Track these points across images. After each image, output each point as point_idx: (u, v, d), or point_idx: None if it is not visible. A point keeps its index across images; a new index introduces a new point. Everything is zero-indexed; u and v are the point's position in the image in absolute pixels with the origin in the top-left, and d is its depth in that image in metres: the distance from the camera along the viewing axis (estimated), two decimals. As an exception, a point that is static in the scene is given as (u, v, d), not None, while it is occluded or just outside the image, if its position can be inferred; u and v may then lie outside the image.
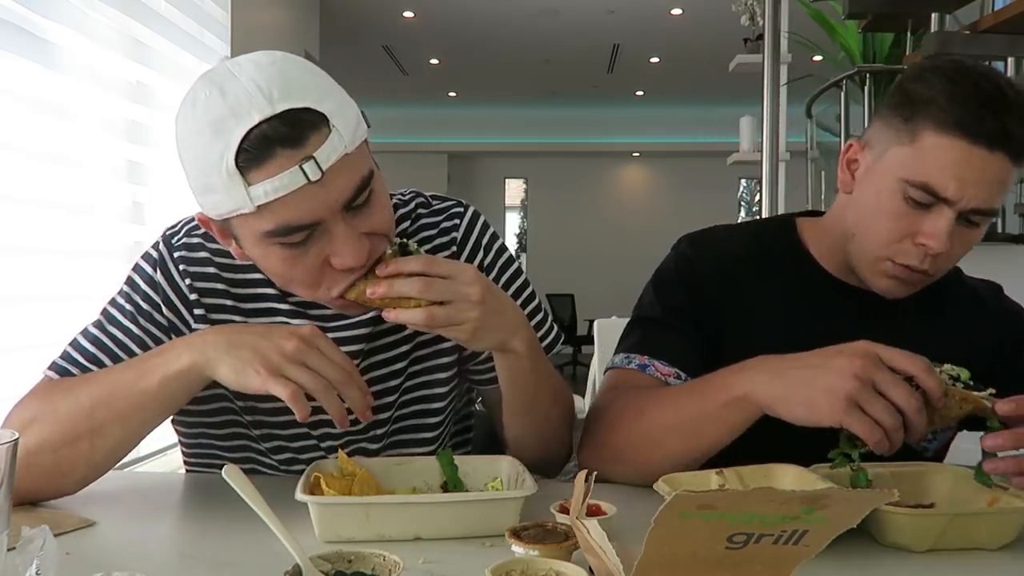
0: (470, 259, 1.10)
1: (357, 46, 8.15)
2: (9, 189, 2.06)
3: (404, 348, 1.09)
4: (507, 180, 12.85)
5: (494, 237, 1.14)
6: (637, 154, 12.45)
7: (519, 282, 1.15)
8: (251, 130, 0.82)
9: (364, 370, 1.08)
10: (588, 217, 12.50)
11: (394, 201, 1.10)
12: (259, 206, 0.84)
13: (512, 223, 13.06)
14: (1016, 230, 3.46)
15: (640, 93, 10.64)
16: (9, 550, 0.63)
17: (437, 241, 1.09)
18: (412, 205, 1.12)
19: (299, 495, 0.83)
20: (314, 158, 0.83)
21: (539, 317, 1.15)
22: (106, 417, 0.90)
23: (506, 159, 12.12)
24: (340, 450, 0.96)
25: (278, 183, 0.83)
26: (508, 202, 12.96)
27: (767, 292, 1.17)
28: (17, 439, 0.62)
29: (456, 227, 1.11)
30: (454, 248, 1.10)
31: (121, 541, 0.87)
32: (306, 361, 0.86)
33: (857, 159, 1.11)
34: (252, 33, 4.20)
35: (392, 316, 0.88)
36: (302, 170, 0.83)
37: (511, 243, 13.01)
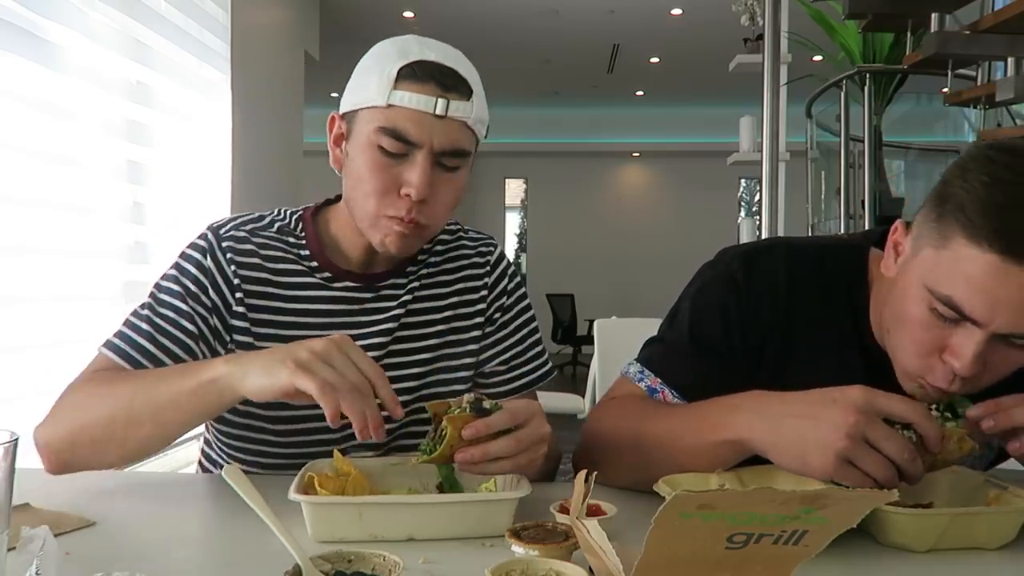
0: (497, 283, 1.25)
1: (357, 46, 8.10)
2: (9, 189, 2.06)
3: (424, 356, 1.19)
4: (507, 180, 12.85)
5: (516, 272, 1.30)
6: (637, 154, 12.45)
7: (529, 314, 1.28)
8: (424, 60, 1.05)
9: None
10: (588, 217, 12.50)
11: None
12: (390, 104, 1.04)
13: (512, 223, 13.07)
14: None
15: (640, 93, 10.64)
16: (9, 550, 0.63)
17: (474, 259, 1.25)
18: (455, 229, 1.28)
19: (292, 495, 0.83)
20: (448, 101, 1.04)
21: (541, 347, 1.28)
22: (143, 408, 0.97)
23: (506, 159, 12.12)
24: (335, 450, 0.97)
25: (414, 98, 1.03)
26: (508, 202, 12.96)
27: (819, 337, 1.06)
28: (16, 439, 0.62)
29: (491, 252, 1.27)
30: (487, 268, 1.25)
31: (121, 541, 0.87)
32: (332, 361, 0.89)
33: (902, 243, 0.98)
34: (252, 33, 4.20)
35: (478, 470, 0.90)
36: (435, 101, 1.03)
37: (511, 243, 13.02)
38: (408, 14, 7.46)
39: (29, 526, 0.63)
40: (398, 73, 1.04)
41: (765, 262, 1.10)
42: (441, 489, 0.96)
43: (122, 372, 1.05)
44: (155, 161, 2.73)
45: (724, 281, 1.10)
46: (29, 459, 0.95)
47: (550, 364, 1.29)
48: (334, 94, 10.27)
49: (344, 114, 1.11)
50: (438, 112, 1.03)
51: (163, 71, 2.84)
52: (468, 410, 0.89)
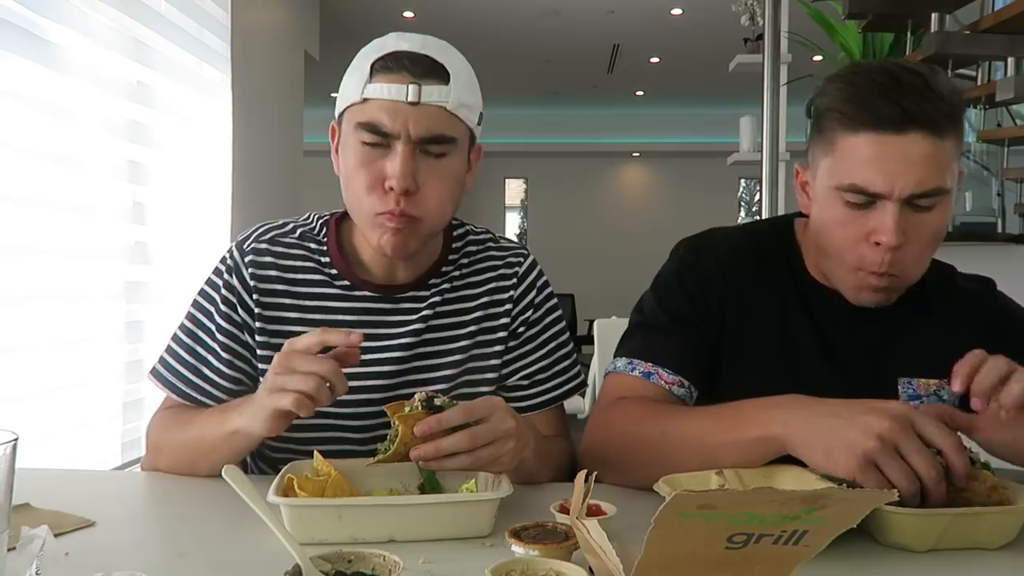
0: (523, 296, 1.23)
1: (357, 46, 8.10)
2: (9, 189, 2.06)
3: (447, 373, 1.18)
4: (507, 180, 12.84)
5: (547, 283, 1.27)
6: (637, 154, 12.44)
7: (560, 326, 1.26)
8: (397, 51, 1.06)
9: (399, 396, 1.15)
10: (588, 217, 12.49)
11: (467, 228, 1.26)
12: (364, 99, 1.05)
13: (512, 223, 13.06)
14: (1016, 230, 3.45)
15: (640, 93, 10.63)
16: (9, 550, 0.63)
17: (502, 271, 1.23)
18: (484, 238, 1.27)
19: (271, 497, 0.82)
20: (420, 87, 1.03)
21: (570, 362, 1.26)
22: (196, 452, 1.08)
23: (506, 159, 12.09)
24: (316, 451, 0.96)
25: (386, 88, 1.04)
26: (508, 202, 12.95)
27: (764, 301, 1.18)
28: (16, 439, 0.62)
29: (520, 263, 1.25)
30: (515, 280, 1.23)
31: (121, 541, 0.87)
32: (293, 367, 0.93)
33: (807, 180, 1.16)
34: (252, 33, 4.19)
35: (436, 466, 0.90)
36: (407, 89, 1.03)
37: (511, 243, 12.99)
38: (408, 14, 7.46)
39: (29, 526, 0.63)
40: (371, 67, 1.05)
41: (708, 244, 1.24)
42: (423, 490, 0.96)
43: (178, 416, 1.14)
44: (155, 161, 2.73)
45: (677, 266, 1.22)
46: (29, 459, 0.95)
47: (578, 380, 1.26)
48: (334, 94, 10.19)
49: (337, 119, 1.12)
50: (410, 99, 1.03)
51: (163, 71, 2.83)
52: (420, 408, 0.90)
